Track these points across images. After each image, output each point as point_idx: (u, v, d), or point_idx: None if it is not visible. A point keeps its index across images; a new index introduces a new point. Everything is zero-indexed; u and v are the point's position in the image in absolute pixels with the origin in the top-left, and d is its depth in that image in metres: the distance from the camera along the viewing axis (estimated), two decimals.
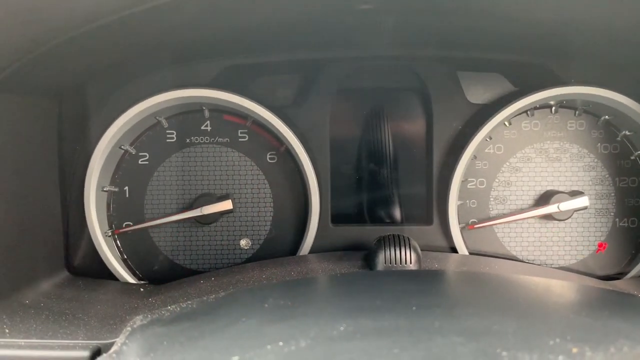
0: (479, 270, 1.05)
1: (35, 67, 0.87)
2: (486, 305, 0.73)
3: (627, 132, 1.23)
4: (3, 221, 0.95)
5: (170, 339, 0.68)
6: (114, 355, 0.68)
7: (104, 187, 1.20)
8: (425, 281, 0.85)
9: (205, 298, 0.84)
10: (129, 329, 0.78)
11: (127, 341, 0.72)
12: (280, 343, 0.61)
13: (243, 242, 1.26)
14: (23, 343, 0.86)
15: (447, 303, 0.74)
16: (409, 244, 1.01)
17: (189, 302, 0.84)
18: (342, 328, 0.64)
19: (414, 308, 0.70)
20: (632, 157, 1.25)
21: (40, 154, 1.07)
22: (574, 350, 0.58)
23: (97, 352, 0.87)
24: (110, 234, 1.22)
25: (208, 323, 0.72)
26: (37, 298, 1.02)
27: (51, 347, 0.86)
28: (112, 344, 0.88)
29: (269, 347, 0.60)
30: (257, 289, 0.90)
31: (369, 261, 1.04)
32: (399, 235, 1.03)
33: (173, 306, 0.83)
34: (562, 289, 0.85)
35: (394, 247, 1.01)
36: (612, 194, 1.25)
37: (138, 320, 0.81)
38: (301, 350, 0.59)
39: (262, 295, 0.81)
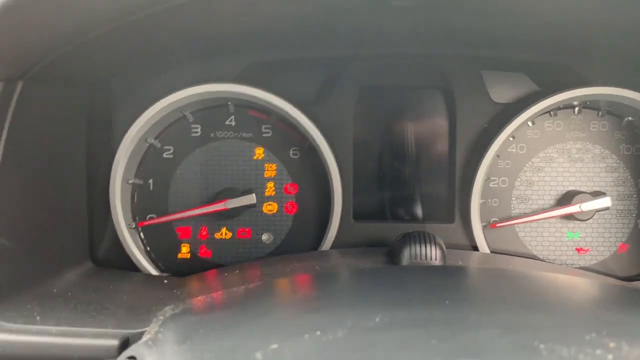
0: (502, 268, 1.05)
1: (69, 60, 0.88)
2: (518, 301, 0.74)
3: None
4: (32, 211, 0.96)
5: (206, 328, 0.69)
6: (149, 342, 0.69)
7: (129, 179, 1.22)
8: (454, 276, 0.86)
9: (235, 289, 0.85)
10: (160, 318, 0.79)
11: (161, 329, 0.72)
12: (318, 332, 0.61)
13: (265, 237, 1.27)
14: (54, 330, 0.87)
15: (479, 297, 0.75)
16: (434, 241, 1.01)
17: (219, 293, 0.85)
18: (377, 319, 0.64)
19: (446, 302, 0.70)
20: None
21: (70, 146, 1.08)
22: (611, 344, 0.58)
23: (126, 341, 0.88)
24: (134, 226, 1.23)
25: (242, 312, 0.73)
26: (65, 287, 1.03)
27: (81, 335, 0.87)
28: (140, 334, 0.89)
29: (306, 336, 0.61)
30: (287, 281, 0.90)
31: (392, 257, 1.05)
32: (424, 232, 1.03)
33: (203, 297, 0.84)
34: (590, 286, 0.85)
35: (419, 243, 1.01)
36: (634, 195, 1.25)
37: (169, 310, 0.82)
38: (339, 340, 0.60)
39: (293, 286, 0.82)
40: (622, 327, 0.65)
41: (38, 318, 0.89)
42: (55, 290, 1.01)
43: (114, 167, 1.18)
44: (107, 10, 0.71)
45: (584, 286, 0.85)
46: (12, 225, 0.90)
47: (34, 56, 0.79)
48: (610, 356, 0.55)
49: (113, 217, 1.19)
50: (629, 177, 1.25)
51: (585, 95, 1.19)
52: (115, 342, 0.86)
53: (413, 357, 0.55)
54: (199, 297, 0.84)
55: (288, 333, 0.63)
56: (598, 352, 0.56)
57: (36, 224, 0.98)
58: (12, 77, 0.82)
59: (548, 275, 0.89)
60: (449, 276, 0.85)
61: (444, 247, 1.02)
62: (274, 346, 0.59)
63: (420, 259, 1.00)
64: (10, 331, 0.84)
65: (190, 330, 0.69)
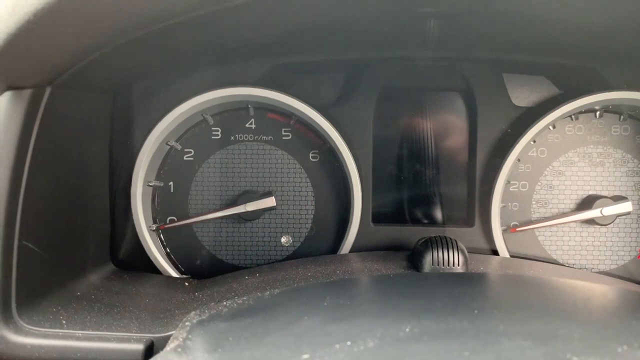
0: (525, 274, 1.05)
1: (94, 67, 0.88)
2: (546, 309, 0.74)
3: None
4: (56, 215, 0.97)
5: (235, 335, 0.69)
6: (179, 349, 0.69)
7: (150, 181, 1.22)
8: (480, 284, 0.86)
9: (260, 294, 0.85)
10: (187, 324, 0.79)
11: (189, 336, 0.73)
12: (349, 342, 0.62)
13: (284, 239, 1.27)
14: (80, 335, 0.88)
15: (507, 306, 0.75)
16: (457, 246, 1.01)
17: (245, 298, 0.85)
18: (407, 329, 0.64)
19: (475, 311, 0.70)
20: None
21: (93, 149, 1.09)
22: None
23: (151, 345, 0.89)
24: (154, 228, 1.24)
25: (271, 320, 0.73)
26: (88, 290, 1.05)
27: (107, 339, 0.88)
28: (165, 338, 0.90)
29: (337, 346, 0.61)
30: (312, 286, 0.91)
31: (414, 262, 1.05)
32: (445, 237, 1.03)
33: (229, 302, 0.85)
34: (618, 295, 0.85)
35: (441, 249, 1.01)
36: None
37: (194, 315, 0.82)
38: (371, 351, 0.60)
39: (319, 293, 0.82)
40: None
41: (64, 322, 0.90)
42: (79, 294, 1.02)
43: (135, 169, 1.18)
44: (135, 20, 0.71)
45: (612, 294, 0.84)
46: (38, 229, 0.91)
47: (62, 64, 0.80)
48: None
49: (134, 219, 1.19)
50: None
51: (607, 100, 1.18)
52: (140, 347, 0.87)
53: None
54: (225, 303, 0.84)
55: (318, 342, 0.63)
56: None
57: (60, 227, 0.99)
58: (41, 84, 0.83)
59: (574, 283, 0.89)
60: (475, 284, 0.85)
61: (466, 252, 1.02)
62: (306, 356, 0.59)
63: (443, 265, 1.00)
64: (38, 335, 0.86)
65: (220, 338, 0.69)
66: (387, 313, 0.72)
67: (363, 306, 0.76)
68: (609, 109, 1.24)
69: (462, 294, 0.79)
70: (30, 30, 0.67)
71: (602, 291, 0.85)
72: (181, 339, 0.74)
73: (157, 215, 1.26)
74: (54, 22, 0.66)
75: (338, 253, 1.23)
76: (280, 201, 1.26)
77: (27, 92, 0.82)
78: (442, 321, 0.68)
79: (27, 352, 0.84)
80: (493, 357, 0.58)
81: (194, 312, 0.84)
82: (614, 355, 0.58)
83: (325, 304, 0.76)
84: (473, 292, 0.79)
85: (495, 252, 1.23)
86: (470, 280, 0.87)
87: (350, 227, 1.22)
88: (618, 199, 1.22)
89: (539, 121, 1.18)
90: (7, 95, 0.81)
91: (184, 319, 0.82)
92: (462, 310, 0.71)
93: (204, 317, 0.79)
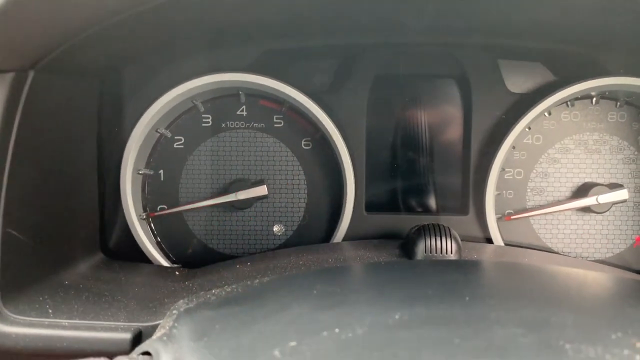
0: (519, 261, 1.04)
1: (80, 50, 0.86)
2: (539, 297, 0.72)
3: None
4: (43, 202, 0.95)
5: (222, 323, 0.68)
6: (164, 338, 0.68)
7: (140, 169, 1.21)
8: (472, 271, 0.84)
9: (249, 282, 0.84)
10: (174, 312, 0.78)
11: (176, 324, 0.71)
12: (337, 330, 0.60)
13: (276, 228, 1.26)
14: (66, 324, 0.86)
15: (499, 293, 0.74)
16: (450, 234, 1.00)
17: (234, 286, 0.84)
18: (397, 316, 0.63)
19: (466, 298, 0.69)
20: None
21: (81, 136, 1.07)
22: (638, 345, 0.57)
23: (139, 334, 0.88)
24: (144, 217, 1.22)
25: (259, 308, 0.72)
26: (76, 279, 1.03)
27: (94, 328, 0.86)
28: (153, 327, 0.88)
29: (325, 333, 0.60)
30: (302, 275, 0.89)
31: (407, 250, 1.04)
32: (439, 225, 1.02)
33: (217, 290, 0.83)
34: (612, 282, 0.84)
35: (434, 236, 1.00)
36: None
37: (182, 303, 0.81)
38: (359, 338, 0.59)
39: (309, 281, 0.81)
40: None
41: (50, 311, 0.89)
42: (66, 282, 1.01)
43: (124, 157, 1.17)
44: (118, 1, 0.69)
45: (605, 282, 0.83)
46: (23, 217, 0.89)
47: (45, 47, 0.78)
48: (638, 357, 0.54)
49: (123, 207, 1.18)
50: None
51: (603, 86, 1.16)
52: (127, 336, 0.85)
53: (436, 357, 0.54)
54: (214, 291, 0.82)
55: (306, 330, 0.62)
56: (625, 352, 0.55)
57: (47, 215, 0.97)
58: (23, 68, 0.81)
59: (568, 270, 0.87)
60: (466, 271, 0.84)
61: (459, 240, 1.01)
62: (293, 344, 0.58)
63: (436, 252, 0.99)
64: (24, 324, 0.84)
65: (206, 326, 0.68)
66: (377, 300, 0.70)
67: (353, 294, 0.75)
68: (605, 95, 1.22)
69: (454, 281, 0.77)
70: (8, 12, 0.65)
71: (596, 278, 0.84)
72: (168, 328, 0.72)
73: (147, 204, 1.24)
74: (33, 3, 0.64)
75: (331, 242, 1.22)
76: (272, 189, 1.24)
77: (9, 76, 0.80)
78: (433, 308, 0.66)
79: (12, 341, 0.82)
80: (484, 344, 0.57)
81: (182, 301, 0.83)
82: (608, 342, 0.57)
83: (315, 291, 0.75)
84: (465, 280, 0.78)
85: (489, 241, 1.22)
86: (462, 268, 0.86)
87: (343, 216, 1.21)
88: (614, 186, 1.21)
89: (534, 108, 1.17)
90: None
91: (172, 308, 0.81)
92: (454, 298, 0.69)
93: (191, 306, 0.78)
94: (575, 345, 0.56)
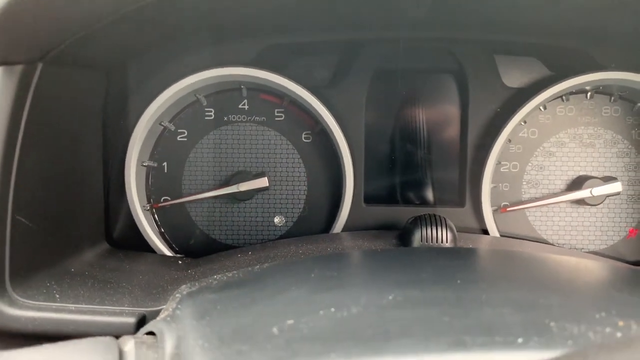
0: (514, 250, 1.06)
1: (86, 43, 0.89)
2: (528, 281, 0.75)
3: None
4: (50, 191, 0.98)
5: (223, 304, 0.71)
6: (168, 319, 0.71)
7: (144, 162, 1.23)
8: (465, 257, 0.87)
9: (250, 269, 0.87)
10: (177, 296, 0.81)
11: (179, 306, 0.74)
12: (333, 309, 0.63)
13: (277, 220, 1.28)
14: (73, 308, 0.89)
15: (490, 277, 0.76)
16: (445, 224, 1.03)
17: (235, 272, 0.87)
18: (390, 297, 0.66)
19: (458, 281, 0.71)
20: None
21: (87, 128, 1.10)
22: (620, 323, 0.59)
23: (143, 318, 0.91)
24: (148, 208, 1.25)
25: (258, 290, 0.75)
26: (82, 267, 1.06)
27: (99, 313, 0.89)
28: (157, 312, 0.91)
29: (321, 312, 0.63)
30: (301, 261, 0.92)
31: (404, 240, 1.06)
32: (435, 215, 1.05)
33: (219, 275, 0.86)
34: (600, 268, 0.86)
35: (431, 226, 1.02)
36: None
37: (185, 288, 0.84)
38: (354, 316, 0.62)
39: (307, 266, 0.83)
40: (631, 307, 0.66)
41: (57, 296, 0.92)
42: (72, 270, 1.04)
43: (129, 149, 1.20)
44: None
45: (594, 268, 0.86)
46: (31, 205, 0.92)
47: (53, 39, 0.81)
48: (619, 334, 0.56)
49: (128, 198, 1.21)
50: None
51: (597, 80, 1.19)
52: (132, 320, 0.88)
53: (426, 334, 0.56)
54: (215, 276, 0.85)
55: (303, 310, 0.65)
56: (607, 330, 0.57)
57: (54, 204, 1.00)
58: (31, 60, 0.83)
59: (558, 257, 0.90)
60: (460, 257, 0.86)
61: (454, 229, 1.04)
62: (290, 322, 0.61)
63: (431, 242, 1.02)
64: (32, 308, 0.87)
65: (208, 307, 0.71)
66: (372, 283, 0.73)
67: (349, 277, 0.78)
68: (599, 89, 1.24)
69: (447, 266, 0.80)
70: (19, 4, 0.68)
71: (585, 265, 0.87)
72: (171, 310, 0.75)
73: (151, 195, 1.27)
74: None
75: (330, 232, 1.25)
76: (273, 181, 1.27)
77: (18, 68, 0.82)
78: (425, 290, 0.69)
79: (21, 324, 0.85)
80: (473, 322, 0.59)
81: (184, 286, 0.86)
82: (592, 321, 0.60)
83: (313, 275, 0.77)
84: (458, 265, 0.81)
85: (485, 232, 1.24)
86: (456, 254, 0.89)
87: (342, 207, 1.24)
88: (608, 179, 1.23)
89: (529, 102, 1.19)
90: None
91: (175, 292, 0.84)
92: (446, 281, 0.72)
93: (193, 289, 0.81)
94: (560, 323, 0.58)
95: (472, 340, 0.55)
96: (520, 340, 0.55)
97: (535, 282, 0.75)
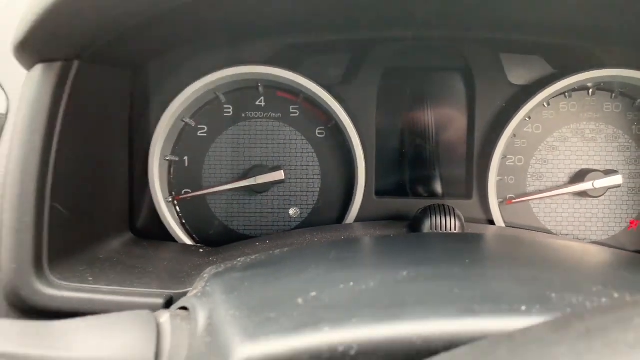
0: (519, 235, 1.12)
1: (118, 43, 0.95)
2: (531, 261, 0.81)
3: None
4: (82, 183, 1.04)
5: (249, 281, 0.77)
6: (199, 294, 0.77)
7: (166, 156, 1.30)
8: (472, 241, 0.93)
9: (271, 252, 0.93)
10: (205, 276, 0.87)
11: (208, 284, 0.80)
12: (352, 283, 0.69)
13: (292, 211, 1.34)
14: (105, 289, 0.96)
15: (496, 258, 0.82)
16: (454, 213, 1.09)
17: (257, 255, 0.93)
18: (405, 273, 0.72)
19: (467, 260, 0.77)
20: None
21: (115, 123, 1.16)
22: (615, 295, 0.65)
23: (170, 299, 0.97)
24: (170, 199, 1.32)
25: (281, 270, 0.81)
26: (110, 254, 1.12)
27: (129, 294, 0.95)
28: (183, 294, 0.97)
29: (342, 286, 0.69)
30: (319, 245, 0.98)
31: (414, 228, 1.12)
32: (444, 205, 1.10)
33: (242, 258, 0.92)
34: (599, 251, 0.92)
35: (440, 215, 1.08)
36: None
37: (211, 269, 0.90)
38: (371, 289, 0.68)
39: (325, 249, 0.89)
40: (626, 282, 0.72)
41: (90, 279, 0.98)
42: (101, 256, 1.10)
43: (152, 144, 1.26)
44: None
45: (593, 251, 0.91)
46: (66, 195, 0.98)
47: (89, 39, 0.87)
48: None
49: (151, 191, 1.27)
50: None
51: (598, 77, 1.24)
52: (160, 301, 0.94)
53: (438, 302, 0.62)
54: (239, 259, 0.91)
55: (324, 284, 0.71)
56: (603, 299, 0.63)
57: (84, 194, 1.06)
58: (70, 57, 0.90)
59: (560, 241, 0.96)
60: (467, 240, 0.92)
61: (462, 218, 1.09)
62: (313, 294, 0.67)
63: (440, 230, 1.07)
64: (68, 289, 0.93)
65: (235, 284, 0.76)
66: (387, 262, 0.79)
67: (365, 258, 0.84)
68: (600, 86, 1.30)
69: (456, 248, 0.86)
70: (63, 7, 0.75)
71: (586, 248, 0.92)
72: (201, 287, 0.81)
73: (173, 188, 1.33)
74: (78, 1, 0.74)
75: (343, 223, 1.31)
76: (289, 175, 1.33)
77: (57, 65, 0.89)
78: (436, 268, 0.75)
79: (59, 303, 0.91)
80: (479, 293, 0.65)
81: (210, 268, 0.92)
82: (589, 293, 0.65)
83: (331, 257, 0.83)
84: (466, 247, 0.87)
85: (492, 223, 1.30)
86: (464, 238, 0.95)
87: (354, 200, 1.30)
88: (609, 172, 1.29)
89: (533, 98, 1.25)
90: (40, 67, 0.89)
91: (202, 274, 0.90)
92: (455, 260, 0.78)
93: (220, 270, 0.87)
94: (560, 294, 0.64)
95: (480, 308, 0.61)
96: (523, 307, 0.60)
97: (538, 261, 0.80)
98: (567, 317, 0.52)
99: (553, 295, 0.64)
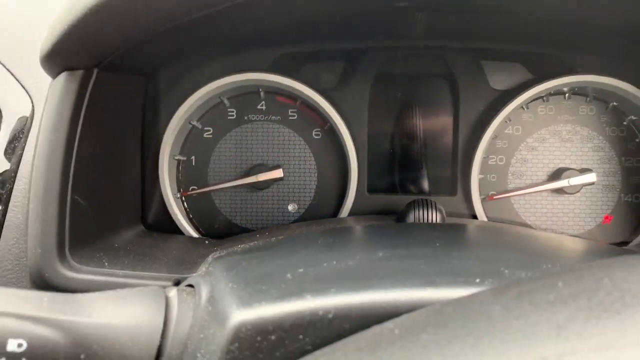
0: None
1: (135, 53, 1.07)
2: (496, 245, 0.91)
3: (633, 117, 1.38)
4: (99, 178, 1.15)
5: (247, 261, 0.88)
6: (203, 274, 0.88)
7: (175, 155, 1.41)
8: (446, 229, 1.03)
9: (267, 239, 1.04)
10: (209, 260, 0.98)
11: (211, 266, 0.91)
12: (334, 262, 0.80)
13: (290, 207, 1.45)
14: (120, 273, 1.06)
15: (464, 243, 0.93)
16: (435, 207, 1.19)
17: (255, 242, 1.04)
18: (380, 254, 0.82)
19: (437, 244, 0.88)
20: (637, 140, 1.40)
21: (129, 126, 1.26)
22: (564, 273, 0.75)
23: (178, 282, 1.07)
24: (179, 195, 1.43)
25: (275, 252, 0.92)
26: (124, 243, 1.22)
27: (142, 277, 1.05)
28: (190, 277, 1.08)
29: (325, 264, 0.79)
30: (310, 233, 1.09)
31: (400, 221, 1.22)
32: (427, 199, 1.21)
33: (242, 245, 1.03)
34: (561, 239, 1.02)
35: (423, 208, 1.18)
36: (618, 172, 1.40)
37: (214, 254, 1.01)
38: (350, 267, 0.78)
39: (314, 236, 1.00)
40: (575, 261, 0.82)
41: (106, 264, 1.08)
42: (116, 245, 1.20)
43: (162, 145, 1.36)
44: (171, 13, 0.89)
45: (556, 239, 1.01)
46: (85, 188, 1.09)
47: (109, 49, 0.98)
48: (560, 283, 0.72)
49: (161, 187, 1.37)
50: (614, 155, 1.41)
51: (573, 82, 1.34)
52: (169, 283, 1.05)
53: (405, 276, 0.73)
54: (239, 245, 1.02)
55: (311, 263, 0.81)
56: (548, 271, 0.73)
57: (101, 190, 1.17)
58: (89, 66, 1.01)
59: (526, 230, 1.06)
60: (442, 229, 1.03)
61: (443, 211, 1.20)
62: (300, 270, 0.78)
63: (423, 221, 1.18)
64: (87, 272, 1.03)
65: (234, 264, 0.87)
66: (366, 246, 0.90)
67: (349, 243, 0.94)
68: (575, 91, 1.40)
69: (430, 234, 0.96)
70: (88, 20, 0.86)
71: (546, 235, 1.02)
72: (204, 269, 0.92)
73: (181, 185, 1.44)
74: (107, 14, 0.85)
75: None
76: (287, 173, 1.43)
77: (79, 73, 1.00)
78: (409, 249, 0.85)
79: (79, 284, 1.01)
80: (443, 270, 0.76)
81: (212, 254, 1.03)
82: (539, 269, 0.76)
83: (319, 242, 0.94)
84: (440, 234, 0.97)
85: (475, 218, 1.40)
86: (441, 227, 1.05)
87: (347, 196, 1.40)
88: (584, 170, 1.38)
89: (512, 102, 1.34)
90: (64, 75, 1.00)
91: (206, 259, 1.01)
92: (427, 244, 0.89)
93: (222, 254, 0.98)
94: (512, 270, 0.74)
95: (440, 280, 0.71)
96: (477, 280, 0.71)
97: (501, 245, 0.91)
98: (506, 284, 0.63)
99: (506, 271, 0.74)
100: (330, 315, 0.67)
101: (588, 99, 1.40)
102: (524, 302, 0.57)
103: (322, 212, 1.44)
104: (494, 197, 1.41)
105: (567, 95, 1.40)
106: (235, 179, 1.42)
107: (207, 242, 1.32)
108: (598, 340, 0.47)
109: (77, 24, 0.86)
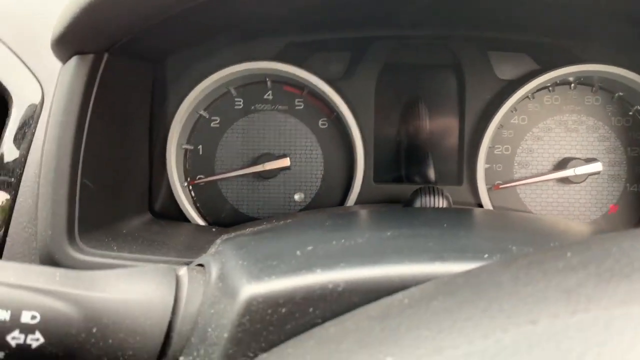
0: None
1: (144, 38, 1.08)
2: (503, 226, 0.92)
3: (639, 107, 1.39)
4: (108, 164, 1.16)
5: (256, 241, 0.89)
6: (212, 253, 0.89)
7: (182, 144, 1.42)
8: (453, 212, 1.04)
9: (275, 222, 1.04)
10: (217, 241, 0.99)
11: (220, 247, 0.92)
12: (343, 240, 0.80)
13: (297, 196, 1.46)
14: (128, 256, 1.07)
15: (471, 223, 0.93)
16: (442, 193, 1.19)
17: (263, 225, 1.04)
18: (389, 233, 0.83)
19: (445, 225, 0.89)
20: None
21: (136, 113, 1.28)
22: (569, 255, 0.76)
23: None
24: (186, 184, 1.44)
25: (283, 233, 0.92)
26: (132, 230, 1.24)
27: (150, 261, 1.06)
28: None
29: (334, 242, 0.80)
30: (318, 215, 1.09)
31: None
32: (433, 187, 1.21)
33: (250, 227, 1.04)
34: (567, 223, 1.02)
35: (429, 195, 1.19)
36: (624, 162, 1.41)
37: (223, 236, 1.01)
38: (359, 244, 0.79)
39: (322, 218, 1.01)
40: (582, 241, 0.82)
41: (115, 248, 1.10)
42: (124, 231, 1.21)
43: (170, 134, 1.38)
44: None
45: (561, 222, 1.02)
46: (94, 173, 1.10)
47: (120, 33, 0.99)
48: (569, 253, 0.73)
49: (169, 176, 1.39)
50: (620, 145, 1.41)
51: (579, 72, 1.35)
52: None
53: (413, 252, 0.73)
54: (247, 228, 1.03)
55: (320, 241, 0.82)
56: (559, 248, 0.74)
57: (110, 176, 1.18)
58: (100, 50, 1.02)
59: (530, 215, 1.06)
60: (449, 212, 1.03)
61: (450, 199, 1.20)
62: (310, 247, 0.78)
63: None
64: (96, 255, 1.04)
65: (244, 243, 0.88)
66: (374, 226, 0.90)
67: (357, 223, 0.95)
68: (581, 81, 1.40)
69: (438, 217, 0.97)
70: (99, 3, 0.87)
71: (551, 219, 1.03)
72: (214, 249, 0.93)
73: (188, 174, 1.45)
74: None
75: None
76: (294, 162, 1.44)
77: (89, 57, 1.01)
78: (417, 229, 0.86)
79: (88, 267, 1.02)
80: (452, 246, 0.77)
81: (221, 236, 1.04)
82: (545, 246, 0.76)
83: (327, 223, 0.95)
84: (447, 216, 0.98)
85: (480, 207, 1.40)
86: (447, 210, 1.06)
87: (354, 185, 1.40)
88: (590, 160, 1.39)
89: (518, 91, 1.35)
90: (74, 59, 1.01)
91: (215, 241, 1.02)
92: (434, 224, 0.89)
93: (231, 236, 0.99)
94: (520, 247, 0.75)
95: (448, 255, 0.72)
96: (486, 256, 0.72)
97: (509, 227, 0.92)
98: (516, 256, 0.63)
99: (514, 248, 0.75)
100: (339, 289, 0.67)
101: (594, 88, 1.41)
102: (533, 270, 0.57)
103: (329, 201, 1.45)
104: (500, 187, 1.42)
105: (572, 85, 1.41)
106: (242, 168, 1.43)
107: (214, 229, 1.33)
108: (608, 302, 0.47)
109: (89, 7, 0.87)
